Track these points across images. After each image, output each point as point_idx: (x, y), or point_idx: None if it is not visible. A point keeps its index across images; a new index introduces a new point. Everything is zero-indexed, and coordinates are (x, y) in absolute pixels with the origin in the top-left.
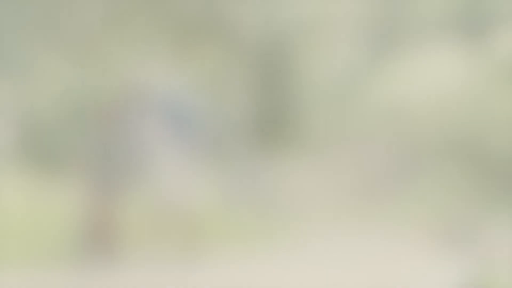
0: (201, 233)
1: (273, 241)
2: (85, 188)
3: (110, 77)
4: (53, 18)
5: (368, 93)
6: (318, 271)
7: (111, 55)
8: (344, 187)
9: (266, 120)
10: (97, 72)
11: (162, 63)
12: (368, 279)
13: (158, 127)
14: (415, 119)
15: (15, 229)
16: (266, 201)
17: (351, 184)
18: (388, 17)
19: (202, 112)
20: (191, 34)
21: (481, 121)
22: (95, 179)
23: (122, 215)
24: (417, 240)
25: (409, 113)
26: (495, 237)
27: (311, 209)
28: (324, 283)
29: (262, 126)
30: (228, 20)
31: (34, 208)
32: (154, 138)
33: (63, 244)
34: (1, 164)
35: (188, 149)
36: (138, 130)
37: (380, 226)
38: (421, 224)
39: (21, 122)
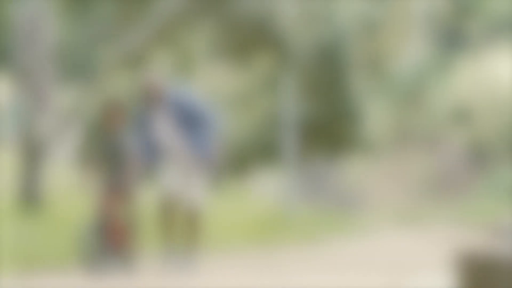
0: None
1: (344, 237)
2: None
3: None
4: (115, 34)
5: (435, 92)
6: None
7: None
8: (412, 185)
9: (330, 121)
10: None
11: (218, 69)
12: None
13: (179, 129)
14: (482, 117)
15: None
16: (335, 200)
17: (419, 182)
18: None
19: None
20: (247, 42)
21: None
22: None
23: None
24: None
25: (476, 112)
26: None
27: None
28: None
29: (328, 128)
30: (284, 26)
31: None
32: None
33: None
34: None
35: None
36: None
37: (448, 222)
38: (490, 221)
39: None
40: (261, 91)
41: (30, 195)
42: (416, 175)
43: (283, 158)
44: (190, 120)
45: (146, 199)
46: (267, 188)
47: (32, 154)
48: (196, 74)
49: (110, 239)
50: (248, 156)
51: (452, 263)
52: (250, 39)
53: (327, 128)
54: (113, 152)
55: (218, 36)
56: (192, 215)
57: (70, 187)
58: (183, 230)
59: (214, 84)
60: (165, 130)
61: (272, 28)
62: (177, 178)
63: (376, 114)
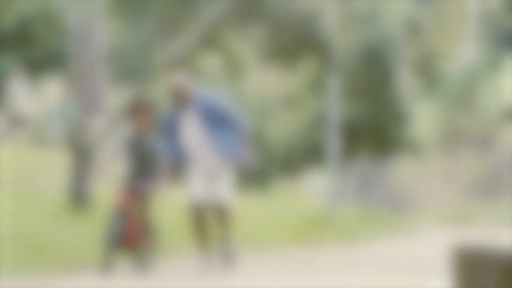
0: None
1: (391, 238)
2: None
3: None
4: (165, 38)
5: (486, 93)
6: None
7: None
8: (462, 185)
9: (377, 123)
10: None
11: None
12: None
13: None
14: None
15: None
16: (383, 200)
17: (469, 183)
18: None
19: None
20: (293, 45)
21: None
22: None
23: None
24: None
25: None
26: None
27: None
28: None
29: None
30: (328, 29)
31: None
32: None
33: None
34: None
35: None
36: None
37: (498, 222)
38: None
39: None
40: (308, 93)
41: (80, 196)
42: (466, 176)
43: (329, 158)
44: (218, 123)
45: (175, 201)
46: (314, 188)
47: (83, 155)
48: (246, 77)
49: (127, 239)
50: (296, 156)
51: (448, 260)
52: (296, 42)
53: (374, 129)
54: (141, 153)
55: (265, 40)
56: (221, 216)
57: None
58: (216, 232)
59: (263, 87)
60: (193, 133)
61: (317, 31)
62: (204, 181)
63: (425, 115)
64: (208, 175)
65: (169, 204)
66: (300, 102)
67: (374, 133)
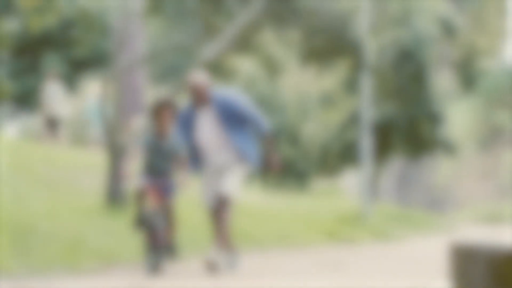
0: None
1: (425, 235)
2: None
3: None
4: (202, 40)
5: None
6: None
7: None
8: (500, 184)
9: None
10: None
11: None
12: None
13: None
14: None
15: None
16: (420, 198)
17: (507, 181)
18: None
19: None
20: (327, 48)
21: None
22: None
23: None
24: None
25: None
26: None
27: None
28: None
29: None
30: (361, 32)
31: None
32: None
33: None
34: None
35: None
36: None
37: None
38: None
39: None
40: (343, 93)
41: (117, 195)
42: (504, 174)
43: (362, 157)
44: (235, 122)
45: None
46: (351, 187)
47: (120, 154)
48: (283, 77)
49: (160, 238)
50: (332, 155)
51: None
52: (330, 44)
53: (409, 129)
54: (163, 151)
55: (300, 42)
56: (219, 205)
57: None
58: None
59: (300, 87)
60: (209, 130)
61: (350, 33)
62: (219, 179)
63: (462, 113)
64: (219, 173)
65: (186, 201)
66: (336, 101)
67: (409, 132)
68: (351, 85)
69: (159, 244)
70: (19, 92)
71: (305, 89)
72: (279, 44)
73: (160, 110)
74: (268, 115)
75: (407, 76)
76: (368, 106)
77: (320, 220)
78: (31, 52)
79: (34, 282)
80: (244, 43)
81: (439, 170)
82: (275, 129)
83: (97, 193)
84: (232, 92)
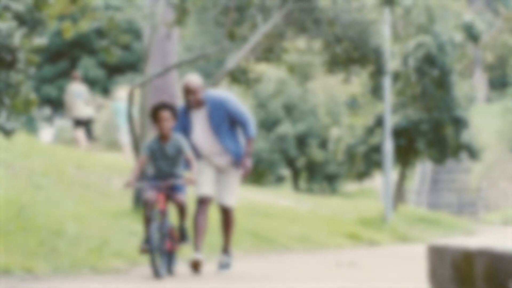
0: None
1: (447, 238)
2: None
3: None
4: (227, 49)
5: None
6: None
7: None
8: None
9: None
10: None
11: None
12: None
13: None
14: None
15: None
16: (447, 201)
17: None
18: None
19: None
20: (349, 55)
21: None
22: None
23: None
24: None
25: None
26: None
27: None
28: None
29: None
30: (380, 41)
31: None
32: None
33: None
34: None
35: None
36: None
37: None
38: None
39: None
40: (368, 98)
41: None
42: None
43: (386, 160)
44: (226, 123)
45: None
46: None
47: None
48: (313, 83)
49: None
50: (359, 158)
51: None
52: (351, 53)
53: (434, 133)
54: (167, 155)
55: (322, 51)
56: (224, 215)
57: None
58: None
59: (329, 92)
60: (202, 131)
61: (372, 41)
62: (212, 179)
63: (494, 116)
64: (215, 173)
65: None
66: (362, 106)
67: (433, 136)
68: (376, 90)
69: (166, 249)
70: (55, 96)
71: (333, 94)
72: (305, 51)
73: (159, 113)
74: (298, 119)
75: (431, 81)
76: (389, 112)
77: (343, 222)
78: (67, 56)
79: (60, 282)
80: (267, 51)
81: (471, 173)
82: (306, 133)
83: (126, 196)
84: (225, 93)
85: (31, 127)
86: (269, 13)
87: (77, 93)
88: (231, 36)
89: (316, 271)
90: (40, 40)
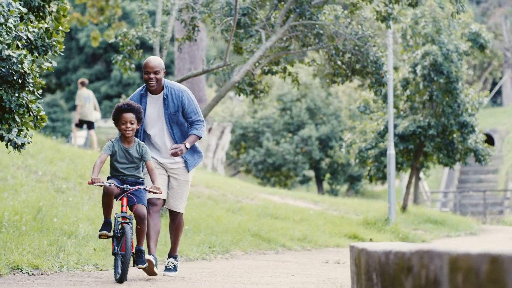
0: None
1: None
2: None
3: None
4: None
5: None
6: None
7: None
8: None
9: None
10: None
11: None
12: None
13: None
14: None
15: None
16: (459, 203)
17: None
18: None
19: None
20: (354, 67)
21: None
22: None
23: None
24: None
25: None
26: None
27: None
28: None
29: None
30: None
31: None
32: None
33: None
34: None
35: None
36: None
37: None
38: None
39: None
40: (379, 104)
41: None
42: None
43: (390, 164)
44: (179, 115)
45: None
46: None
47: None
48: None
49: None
50: (370, 161)
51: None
52: (352, 64)
53: (442, 137)
54: (127, 157)
55: (324, 62)
56: (174, 219)
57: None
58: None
59: (350, 96)
60: (156, 117)
61: (373, 54)
62: (163, 183)
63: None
64: (166, 177)
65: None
66: (374, 111)
67: (441, 140)
68: (387, 96)
69: (128, 251)
70: None
71: (355, 98)
72: (306, 64)
73: (122, 115)
74: (322, 122)
75: (438, 88)
76: (392, 119)
77: (348, 223)
78: (102, 60)
79: (63, 278)
80: (277, 63)
81: (499, 173)
82: (329, 135)
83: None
84: (182, 86)
85: (66, 130)
86: (272, 28)
87: (87, 98)
88: (238, 51)
89: (298, 268)
90: (48, 64)
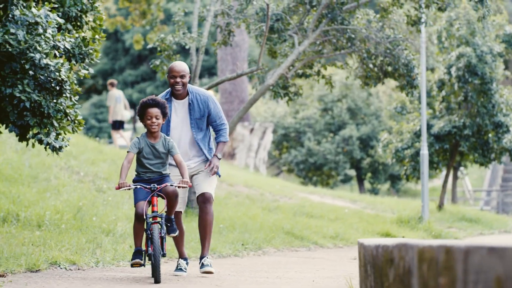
0: None
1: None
2: None
3: None
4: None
5: None
6: None
7: None
8: None
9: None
10: None
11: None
12: None
13: None
14: None
15: None
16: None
17: None
18: None
19: None
20: (385, 70)
21: None
22: None
23: None
24: None
25: None
26: None
27: None
28: None
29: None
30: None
31: None
32: None
33: None
34: None
35: None
36: None
37: None
38: None
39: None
40: (416, 104)
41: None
42: None
43: (423, 164)
44: (204, 120)
45: None
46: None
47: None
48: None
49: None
50: (406, 160)
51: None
52: (384, 67)
53: (477, 137)
54: (154, 153)
55: (358, 66)
56: (202, 209)
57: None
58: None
59: (390, 97)
60: (180, 122)
61: (404, 57)
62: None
63: None
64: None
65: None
66: (410, 112)
67: (477, 140)
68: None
69: (156, 252)
70: (137, 99)
71: (393, 98)
72: (340, 68)
73: (147, 110)
74: (362, 122)
75: (472, 89)
76: (425, 121)
77: (381, 221)
78: (148, 61)
79: (98, 272)
80: (311, 66)
81: None
82: (369, 135)
83: None
84: (209, 92)
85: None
86: (305, 33)
87: (118, 98)
88: (272, 54)
89: (325, 264)
90: (85, 71)
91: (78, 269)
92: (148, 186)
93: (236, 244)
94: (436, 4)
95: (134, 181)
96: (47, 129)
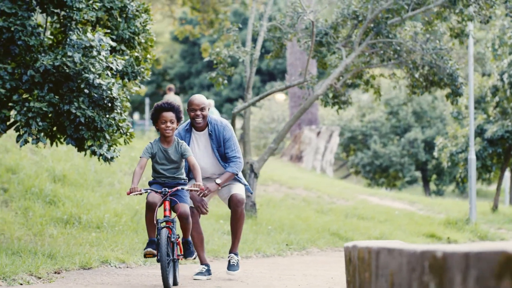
0: None
1: None
2: None
3: None
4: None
5: None
6: None
7: None
8: None
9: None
10: None
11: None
12: None
13: None
14: None
15: None
16: None
17: None
18: None
19: None
20: (427, 82)
21: None
22: None
23: None
24: None
25: None
26: None
27: None
28: None
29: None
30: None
31: None
32: None
33: None
34: None
35: None
36: None
37: None
38: None
39: None
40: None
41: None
42: None
43: (471, 168)
44: (223, 149)
45: None
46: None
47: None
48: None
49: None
50: (460, 164)
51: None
52: (430, 77)
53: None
54: (168, 157)
55: (406, 75)
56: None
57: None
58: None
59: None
60: (206, 155)
61: (446, 68)
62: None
63: None
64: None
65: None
66: (465, 118)
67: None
68: (479, 103)
69: (162, 257)
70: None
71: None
72: (387, 77)
73: (161, 114)
74: (427, 125)
75: None
76: (472, 127)
77: (429, 223)
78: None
79: (144, 270)
80: (360, 76)
81: None
82: (434, 138)
83: None
84: (224, 121)
85: None
86: (352, 46)
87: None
88: (322, 66)
89: None
90: (137, 88)
91: (127, 267)
92: (159, 190)
93: (281, 244)
94: (478, 16)
95: (150, 183)
96: (100, 141)
